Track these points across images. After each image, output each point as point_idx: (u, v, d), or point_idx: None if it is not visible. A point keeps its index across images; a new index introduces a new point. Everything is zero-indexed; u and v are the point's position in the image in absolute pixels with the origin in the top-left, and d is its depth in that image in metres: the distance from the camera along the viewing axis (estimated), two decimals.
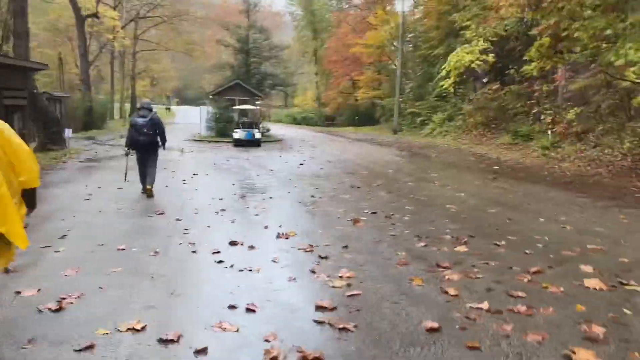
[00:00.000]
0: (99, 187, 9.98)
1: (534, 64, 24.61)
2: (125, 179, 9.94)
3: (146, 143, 9.08)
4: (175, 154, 18.07)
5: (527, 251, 5.80)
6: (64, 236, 6.16)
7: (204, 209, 7.98)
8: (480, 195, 9.88)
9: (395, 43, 45.24)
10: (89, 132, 29.84)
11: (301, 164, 15.36)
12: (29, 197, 3.20)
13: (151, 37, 51.95)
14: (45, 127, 17.20)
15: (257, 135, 22.19)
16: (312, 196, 9.48)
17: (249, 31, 32.17)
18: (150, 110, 9.29)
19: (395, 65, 46.03)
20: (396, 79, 36.34)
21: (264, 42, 32.92)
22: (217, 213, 7.68)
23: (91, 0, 32.38)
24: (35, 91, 17.10)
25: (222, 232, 6.47)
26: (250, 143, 21.95)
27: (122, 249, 5.62)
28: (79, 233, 6.37)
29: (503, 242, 6.14)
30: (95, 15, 31.27)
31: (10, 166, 2.95)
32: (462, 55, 25.52)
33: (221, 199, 8.96)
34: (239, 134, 21.90)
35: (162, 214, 7.55)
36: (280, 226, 6.77)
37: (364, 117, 48.17)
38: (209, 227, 6.79)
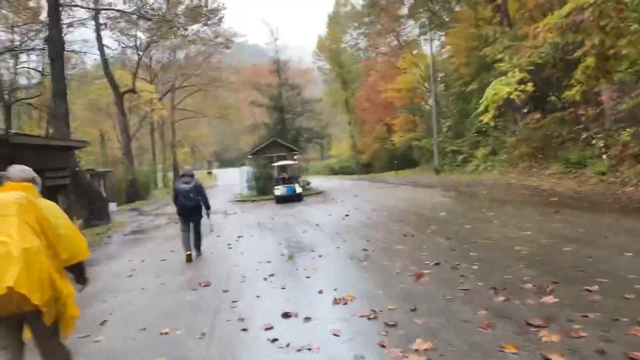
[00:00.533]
0: (142, 261, 9.56)
1: (575, 88, 23.65)
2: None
3: (192, 207, 9.36)
4: (219, 217, 17.76)
5: (626, 296, 4.92)
6: (104, 322, 5.64)
7: (252, 276, 7.38)
8: (548, 232, 8.95)
9: (426, 84, 45.01)
10: (133, 203, 30.19)
11: (346, 215, 14.71)
12: (75, 273, 3.42)
13: (187, 106, 53.47)
14: (90, 204, 17.24)
15: (298, 190, 21.77)
16: (364, 250, 8.77)
17: (280, 89, 32.46)
18: (193, 176, 9.62)
19: (429, 105, 45.67)
20: (432, 119, 35.70)
21: (296, 98, 33.09)
22: (266, 279, 7.05)
23: (128, 77, 33.54)
24: (77, 169, 17.26)
25: (273, 302, 5.83)
26: (292, 198, 21.51)
27: (166, 333, 5.03)
28: (120, 317, 5.85)
29: (595, 287, 5.27)
30: (132, 90, 32.29)
31: (52, 245, 3.13)
32: (499, 88, 24.72)
33: (269, 261, 8.36)
34: (280, 190, 21.55)
35: (207, 285, 6.99)
36: (335, 289, 6.09)
37: (401, 161, 47.50)
38: (258, 297, 6.16)
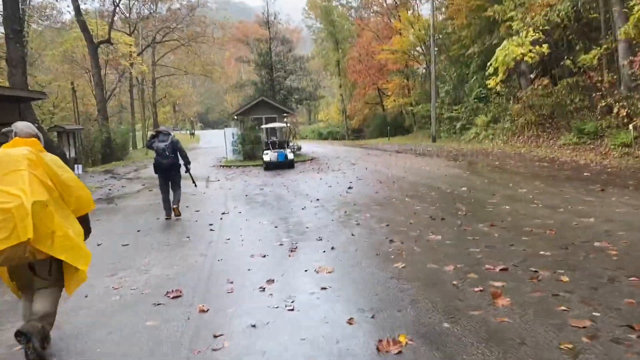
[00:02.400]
0: (98, 245, 7.28)
1: (592, 52, 21.57)
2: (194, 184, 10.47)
3: (169, 165, 9.28)
4: (200, 185, 15.47)
5: None
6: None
7: (242, 281, 5.18)
8: (623, 221, 6.89)
9: (421, 47, 42.43)
10: (108, 164, 27.66)
11: (349, 188, 12.54)
12: (83, 223, 3.68)
13: (169, 63, 50.22)
14: None
15: (290, 156, 19.48)
16: (390, 241, 6.62)
17: (270, 44, 29.65)
18: (169, 134, 9.50)
19: (424, 69, 43.21)
20: (430, 83, 33.36)
21: (287, 54, 30.33)
22: (263, 289, 4.86)
23: (104, 27, 30.44)
24: (36, 125, 14.73)
25: (280, 339, 3.68)
26: (283, 165, 19.25)
27: None
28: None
29: None
30: (108, 41, 29.27)
31: (61, 198, 3.41)
32: (512, 49, 22.51)
33: (264, 255, 6.19)
34: (269, 155, 19.23)
35: (177, 296, 4.78)
36: (372, 315, 3.96)
37: (392, 127, 45.27)
38: (254, 326, 3.97)
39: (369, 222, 8.00)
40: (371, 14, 53.98)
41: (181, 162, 9.49)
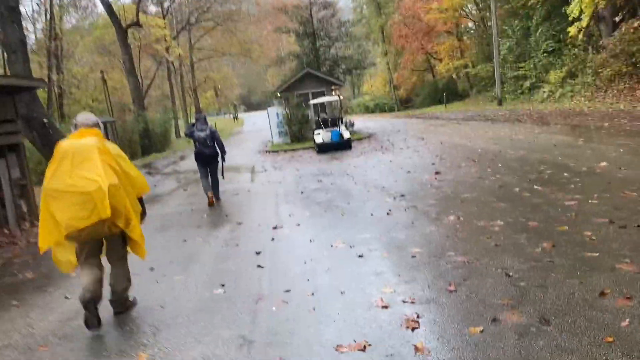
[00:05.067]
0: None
1: None
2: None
3: (210, 155, 8.99)
4: (244, 178, 12.54)
5: None
6: None
7: None
8: None
9: (470, 4, 37.89)
10: (148, 157, 25.24)
11: (437, 173, 9.25)
12: (140, 204, 4.07)
13: (206, 46, 47.46)
14: None
15: (346, 134, 16.21)
16: (601, 294, 3.39)
17: (311, 9, 26.09)
18: (206, 121, 9.27)
19: (479, 26, 38.67)
20: (493, 38, 29.09)
21: (330, 20, 26.75)
22: None
23: (131, 9, 27.79)
24: (45, 120, 12.11)
25: None
26: (339, 146, 16.00)
27: None
28: None
29: None
30: (137, 24, 26.54)
31: (125, 180, 3.80)
32: None
33: (363, 347, 3.06)
34: (321, 135, 16.03)
35: None
36: None
37: (443, 94, 41.00)
38: None
39: (517, 239, 4.75)
40: None
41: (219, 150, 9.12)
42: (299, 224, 6.59)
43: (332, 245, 5.35)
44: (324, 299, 3.92)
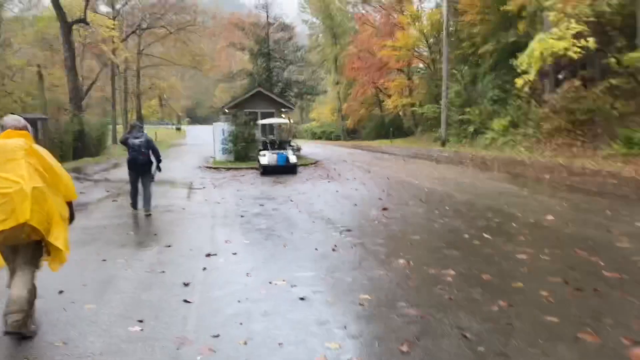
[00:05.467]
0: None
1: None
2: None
3: (144, 162, 8.82)
4: (180, 194, 11.75)
5: None
6: None
7: None
8: None
9: (427, 43, 38.97)
10: (80, 161, 23.70)
11: (385, 209, 8.91)
12: (70, 210, 3.88)
13: (156, 53, 46.02)
14: None
15: (292, 159, 15.74)
16: None
17: (268, 29, 25.71)
18: (142, 129, 9.25)
19: (428, 68, 39.73)
20: (443, 80, 29.82)
21: (286, 43, 26.44)
22: None
23: (79, 5, 26.40)
24: None
25: None
26: (284, 170, 15.50)
27: None
28: None
29: None
30: (83, 20, 25.20)
31: (53, 184, 3.61)
32: (552, 43, 19.09)
33: None
34: (267, 157, 15.48)
35: None
36: None
37: (390, 129, 41.62)
38: None
39: (471, 293, 4.38)
40: (370, 10, 50.31)
41: (153, 159, 9.03)
42: (235, 253, 5.98)
43: (271, 282, 4.78)
44: (259, 350, 3.34)
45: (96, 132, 27.67)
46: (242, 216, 8.55)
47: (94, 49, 35.06)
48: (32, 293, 3.57)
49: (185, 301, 4.29)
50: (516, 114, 26.52)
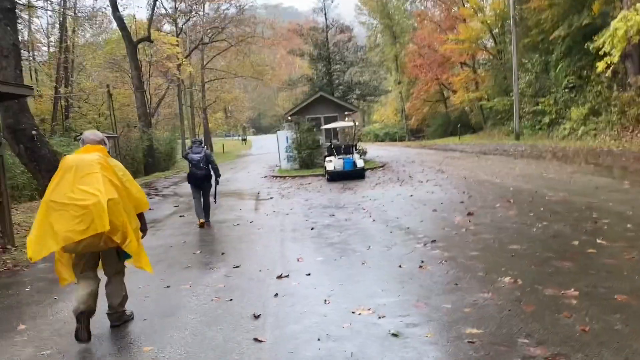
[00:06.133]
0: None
1: None
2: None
3: (203, 176, 9.03)
4: (247, 206, 11.27)
5: None
6: None
7: None
8: None
9: (492, 33, 37.03)
10: (150, 175, 24.12)
11: (469, 214, 7.94)
12: (141, 219, 4.13)
13: (218, 66, 46.76)
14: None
15: (360, 163, 14.96)
16: None
17: (327, 32, 25.12)
18: (202, 145, 9.46)
19: (495, 58, 37.72)
20: (513, 70, 28.00)
21: (346, 44, 25.72)
22: None
23: (144, 25, 26.99)
24: (35, 132, 10.97)
25: None
26: (352, 175, 14.75)
27: None
28: None
29: None
30: (148, 39, 25.73)
31: (126, 196, 3.85)
32: (638, 20, 17.24)
33: None
34: (333, 163, 14.80)
35: None
36: None
37: (457, 126, 39.87)
38: None
39: (610, 322, 3.41)
40: (429, 6, 48.72)
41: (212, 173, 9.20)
42: (309, 274, 5.27)
43: (354, 312, 4.02)
44: None
45: (165, 147, 28.21)
46: (312, 229, 7.86)
47: (160, 66, 35.98)
48: (126, 295, 4.15)
49: (256, 340, 3.61)
50: (596, 101, 24.40)
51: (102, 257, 4.00)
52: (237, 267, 5.81)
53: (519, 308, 3.86)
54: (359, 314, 3.98)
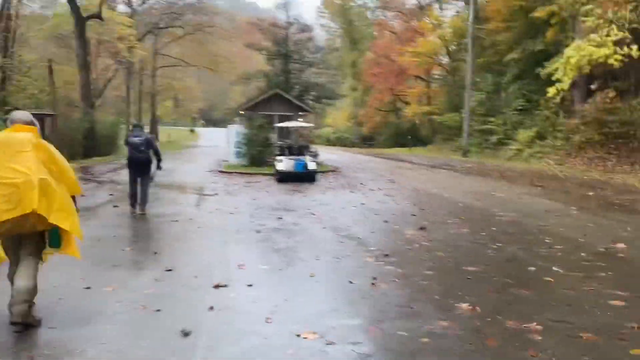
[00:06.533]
0: None
1: None
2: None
3: (144, 160, 8.72)
4: (189, 200, 10.57)
5: None
6: None
7: None
8: None
9: (449, 50, 37.67)
10: (89, 159, 22.69)
11: (422, 228, 7.64)
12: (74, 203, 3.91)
13: (172, 53, 45.13)
14: None
15: (311, 165, 14.50)
16: None
17: (288, 29, 24.54)
18: (142, 129, 9.59)
19: (449, 75, 38.38)
20: (466, 90, 28.44)
21: (306, 44, 25.24)
22: None
23: (95, 0, 25.47)
24: None
25: None
26: (302, 177, 14.26)
27: None
28: None
29: None
30: (98, 16, 24.27)
31: (59, 178, 3.64)
32: (590, 50, 17.73)
33: None
34: (285, 163, 14.26)
35: None
36: None
37: (407, 138, 40.29)
38: None
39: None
40: (389, 16, 49.05)
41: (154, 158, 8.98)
42: (251, 284, 4.72)
43: (299, 335, 3.52)
44: None
45: (108, 131, 26.70)
46: (258, 231, 7.31)
47: (110, 47, 34.20)
48: (35, 285, 3.60)
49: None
50: (543, 125, 25.14)
51: (22, 238, 3.63)
52: (169, 270, 5.18)
53: (480, 342, 3.49)
54: (305, 337, 3.49)
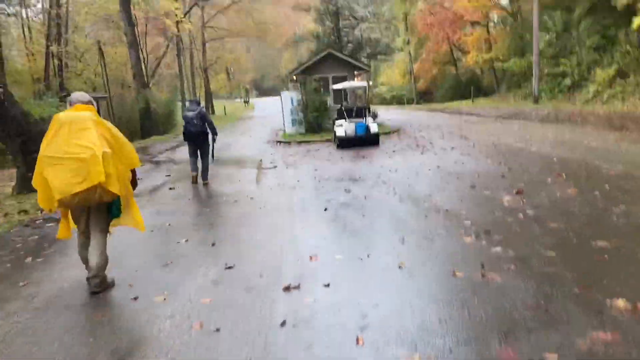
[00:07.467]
0: None
1: None
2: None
3: (196, 133, 8.94)
4: (248, 176, 9.77)
5: None
6: None
7: None
8: None
9: None
10: (147, 139, 22.53)
11: (518, 193, 6.42)
12: (132, 175, 4.20)
13: (220, 25, 44.33)
14: (25, 151, 9.41)
15: (373, 127, 13.30)
16: None
17: None
18: (199, 104, 9.47)
19: (511, 17, 35.36)
20: (534, 31, 25.86)
21: None
22: None
23: None
24: (0, 90, 9.33)
25: None
26: (364, 141, 13.11)
27: None
28: None
29: None
30: None
31: (118, 152, 3.87)
32: None
33: None
34: (344, 127, 13.14)
35: None
36: None
37: (466, 89, 37.83)
38: None
39: None
40: None
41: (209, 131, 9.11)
42: (328, 285, 3.79)
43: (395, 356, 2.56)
44: None
45: (164, 109, 26.44)
46: (325, 209, 6.35)
47: (158, 24, 33.83)
48: (106, 258, 4.01)
49: None
50: (624, 62, 22.45)
51: (91, 213, 3.95)
52: (230, 267, 4.34)
53: None
54: None
